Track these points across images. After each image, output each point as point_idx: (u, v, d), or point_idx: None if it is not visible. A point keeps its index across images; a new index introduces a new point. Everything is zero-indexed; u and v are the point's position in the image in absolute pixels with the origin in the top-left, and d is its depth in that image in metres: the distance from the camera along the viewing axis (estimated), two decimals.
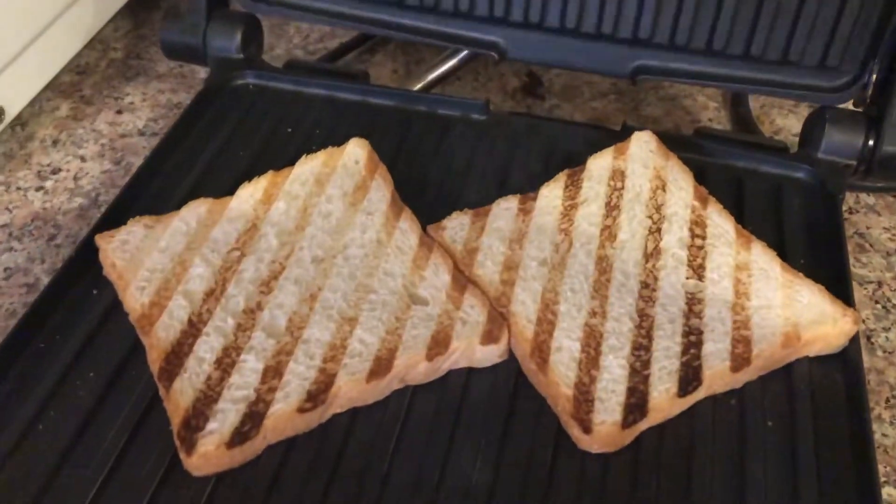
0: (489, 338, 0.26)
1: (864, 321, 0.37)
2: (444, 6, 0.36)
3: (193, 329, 0.26)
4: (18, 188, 0.43)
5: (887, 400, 0.36)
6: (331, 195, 0.30)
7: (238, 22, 0.39)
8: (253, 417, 0.24)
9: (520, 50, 0.36)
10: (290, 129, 0.36)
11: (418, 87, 0.43)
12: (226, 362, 0.25)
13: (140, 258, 0.28)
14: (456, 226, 0.30)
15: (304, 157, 0.32)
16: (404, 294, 0.27)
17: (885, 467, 0.31)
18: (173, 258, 0.28)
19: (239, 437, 0.24)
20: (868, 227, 0.42)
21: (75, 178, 0.43)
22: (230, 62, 0.39)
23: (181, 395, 0.24)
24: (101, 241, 0.29)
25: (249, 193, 0.31)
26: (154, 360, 0.25)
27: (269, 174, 0.31)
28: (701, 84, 0.37)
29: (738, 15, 0.34)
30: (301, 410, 0.24)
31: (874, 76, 0.34)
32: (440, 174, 0.34)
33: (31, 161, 0.44)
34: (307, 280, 0.28)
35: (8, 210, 0.41)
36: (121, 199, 0.32)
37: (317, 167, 0.32)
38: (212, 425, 0.24)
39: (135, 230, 0.29)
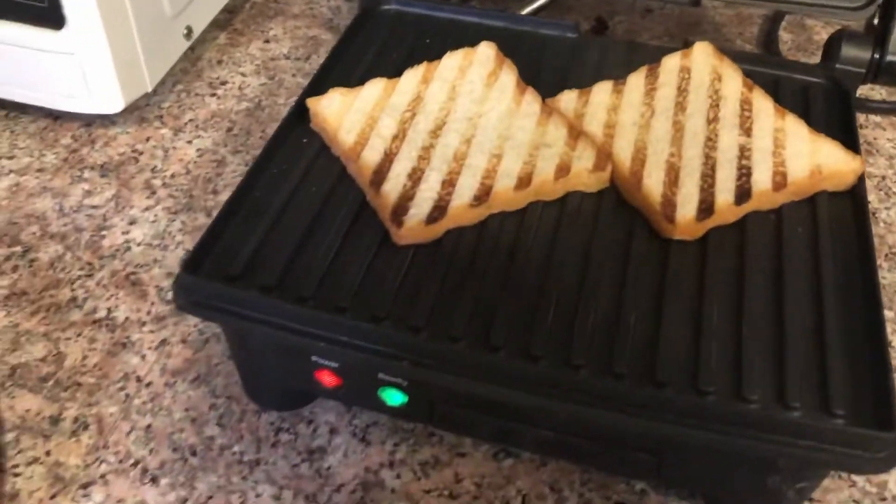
0: (597, 167, 0.37)
1: (869, 203, 0.47)
2: None
3: (388, 159, 0.37)
4: (196, 94, 0.54)
5: (885, 255, 0.46)
6: (471, 78, 0.41)
7: None
8: (439, 209, 0.34)
9: None
10: (427, 41, 0.46)
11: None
12: (415, 177, 0.36)
13: (341, 114, 0.39)
14: (567, 99, 0.41)
15: (448, 53, 0.43)
16: (534, 141, 0.38)
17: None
18: (365, 114, 0.39)
19: (430, 219, 0.34)
20: (875, 139, 0.53)
21: (240, 88, 0.54)
22: None
23: (388, 194, 0.35)
24: (311, 103, 0.39)
25: (412, 75, 0.41)
26: (364, 175, 0.36)
27: (425, 63, 0.42)
28: (752, 5, 0.47)
29: None
30: (470, 206, 0.35)
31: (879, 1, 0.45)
32: (547, 74, 0.44)
33: (203, 75, 0.55)
34: (463, 130, 0.38)
35: (191, 109, 0.52)
36: (312, 84, 0.43)
37: (458, 59, 0.42)
38: (412, 211, 0.34)
39: (334, 96, 0.40)
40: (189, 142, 0.50)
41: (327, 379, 0.34)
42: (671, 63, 0.43)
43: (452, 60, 0.42)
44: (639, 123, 0.39)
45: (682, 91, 0.41)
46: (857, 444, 0.29)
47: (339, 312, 0.32)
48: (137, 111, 0.51)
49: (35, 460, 0.35)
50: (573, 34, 0.47)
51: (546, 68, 0.44)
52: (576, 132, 0.39)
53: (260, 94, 0.54)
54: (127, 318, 0.41)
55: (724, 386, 0.30)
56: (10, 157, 0.49)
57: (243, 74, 0.55)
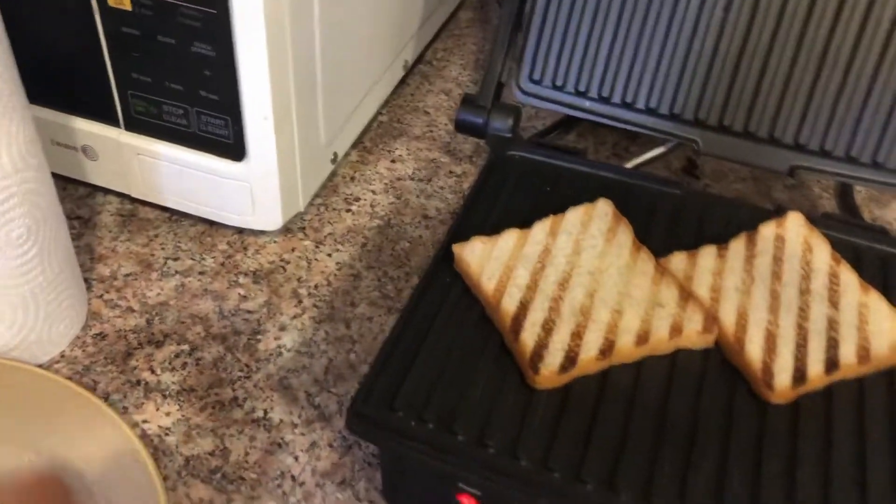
0: (705, 329, 0.42)
1: None
2: (660, 111, 0.54)
3: (523, 308, 0.43)
4: (334, 209, 0.61)
5: None
6: (592, 233, 0.47)
7: (511, 111, 0.57)
8: (570, 359, 0.41)
9: (711, 147, 0.53)
10: (548, 188, 0.53)
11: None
12: (547, 328, 0.42)
13: (481, 261, 0.45)
14: (677, 260, 0.47)
15: (570, 208, 0.49)
16: (650, 299, 0.44)
17: None
18: (503, 263, 0.45)
19: (562, 368, 0.40)
20: None
21: (371, 206, 0.61)
22: (502, 140, 0.56)
23: (525, 343, 0.41)
24: (457, 248, 0.46)
25: (541, 227, 0.48)
26: (505, 322, 0.42)
27: (551, 216, 0.48)
28: (841, 180, 0.53)
29: (872, 131, 0.51)
30: (597, 359, 0.41)
31: None
32: (655, 229, 0.50)
33: (339, 191, 0.62)
34: (587, 284, 0.44)
35: (330, 223, 0.59)
36: (454, 228, 0.49)
37: (580, 214, 0.49)
38: (547, 360, 0.40)
39: (476, 243, 0.46)
40: (329, 255, 0.57)
41: (468, 502, 0.40)
42: (767, 231, 0.48)
43: (575, 215, 0.49)
44: (740, 290, 0.45)
45: (777, 260, 0.47)
46: None
47: (485, 448, 0.38)
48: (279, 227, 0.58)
49: None
50: (677, 191, 0.53)
51: (655, 224, 0.51)
52: (686, 293, 0.45)
53: (389, 212, 0.61)
54: (281, 420, 0.47)
55: None
56: (176, 259, 0.56)
57: (374, 192, 0.62)
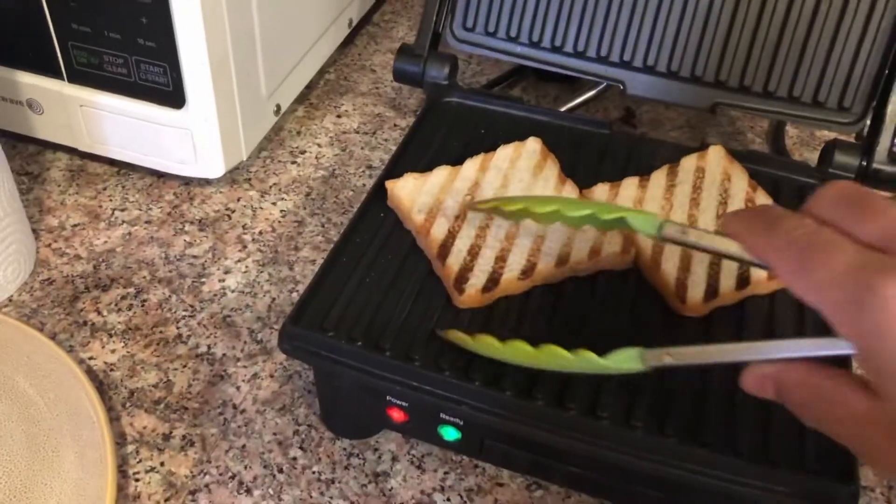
0: (623, 251, 0.45)
1: None
2: (588, 53, 0.56)
3: (451, 235, 0.45)
4: (279, 161, 0.62)
5: None
6: (521, 168, 0.49)
7: (446, 59, 0.58)
8: (493, 280, 0.42)
9: (636, 87, 0.55)
10: (482, 131, 0.55)
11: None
12: (473, 252, 0.44)
13: (412, 195, 0.47)
14: (600, 191, 0.49)
15: (501, 146, 0.51)
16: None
17: None
18: (433, 196, 0.47)
19: (486, 288, 0.42)
20: None
21: (316, 158, 0.63)
22: (439, 87, 0.58)
23: (451, 266, 0.43)
24: (389, 184, 0.48)
25: (472, 164, 0.49)
26: (432, 248, 0.44)
27: (482, 154, 0.50)
28: (759, 115, 0.56)
29: (786, 66, 0.53)
30: (518, 279, 0.43)
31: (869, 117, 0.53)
32: (583, 166, 0.52)
33: (285, 144, 0.64)
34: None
35: (275, 174, 0.61)
36: (389, 166, 0.51)
37: (510, 152, 0.50)
38: (471, 281, 0.42)
39: (408, 179, 0.48)
40: (274, 203, 0.58)
41: (396, 415, 0.42)
42: (688, 163, 0.51)
43: (505, 152, 0.51)
44: (660, 215, 0.47)
45: (696, 189, 0.49)
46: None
47: (411, 361, 0.40)
48: (229, 174, 0.60)
49: (152, 469, 0.43)
50: (606, 130, 0.55)
51: (583, 161, 0.53)
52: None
53: (334, 163, 0.62)
54: (224, 355, 0.49)
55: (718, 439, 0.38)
56: (123, 209, 0.57)
57: (319, 145, 0.64)
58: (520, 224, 0.46)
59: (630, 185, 0.49)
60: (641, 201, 0.48)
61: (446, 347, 0.41)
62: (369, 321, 0.42)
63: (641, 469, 0.38)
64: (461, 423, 0.40)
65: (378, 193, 0.49)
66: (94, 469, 0.40)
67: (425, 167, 0.51)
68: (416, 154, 0.52)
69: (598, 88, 0.61)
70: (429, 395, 0.39)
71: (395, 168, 0.51)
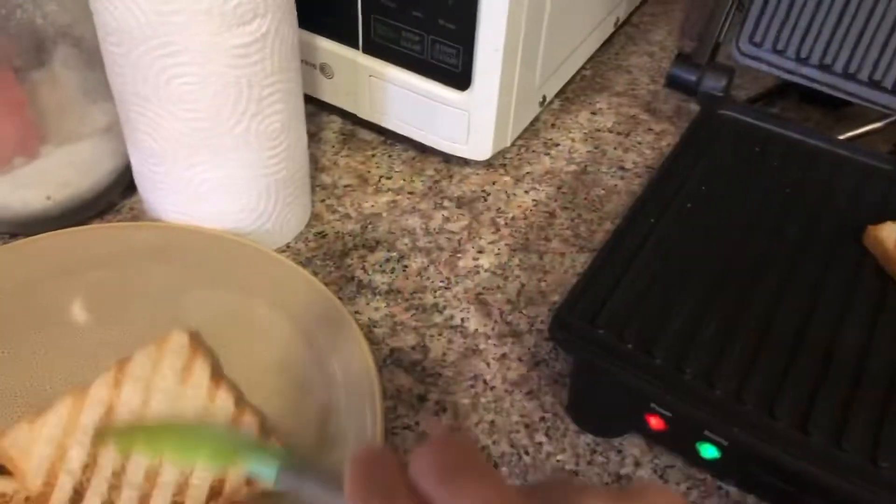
0: None
1: None
2: (884, 84, 0.53)
3: (78, 495, 0.38)
4: (534, 151, 0.64)
5: None
6: (164, 373, 0.43)
7: (725, 71, 0.58)
8: None
9: None
10: (757, 149, 0.54)
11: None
12: None
13: (28, 449, 0.39)
14: (890, 229, 0.47)
15: (140, 347, 0.43)
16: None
17: None
18: (55, 445, 0.39)
19: None
20: None
21: (569, 152, 0.64)
22: (714, 98, 0.57)
23: None
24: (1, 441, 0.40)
25: (102, 381, 0.42)
26: None
27: (115, 364, 0.43)
28: None
29: None
30: None
31: None
32: (865, 202, 0.50)
33: (539, 135, 0.65)
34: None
35: (529, 164, 0.62)
36: (659, 175, 0.51)
37: (151, 352, 0.43)
38: None
39: (19, 428, 0.40)
40: (526, 192, 0.60)
41: (655, 422, 0.42)
42: None
43: (144, 355, 0.43)
44: None
45: None
46: None
47: (682, 373, 0.40)
48: (486, 159, 0.62)
49: (407, 427, 0.46)
50: (890, 166, 0.53)
51: (865, 197, 0.50)
52: (267, 430, 0.42)
53: (586, 159, 0.63)
54: (476, 330, 0.51)
55: None
56: (389, 178, 0.60)
57: (573, 140, 0.65)
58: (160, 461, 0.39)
59: None
60: None
61: (721, 365, 0.40)
62: (642, 324, 0.42)
63: None
64: (725, 443, 0.40)
65: (650, 196, 0.49)
66: (365, 419, 0.43)
67: (698, 177, 0.50)
68: (687, 162, 0.52)
69: (886, 121, 0.58)
70: (698, 411, 0.39)
71: (667, 173, 0.51)
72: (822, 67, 0.55)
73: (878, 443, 0.37)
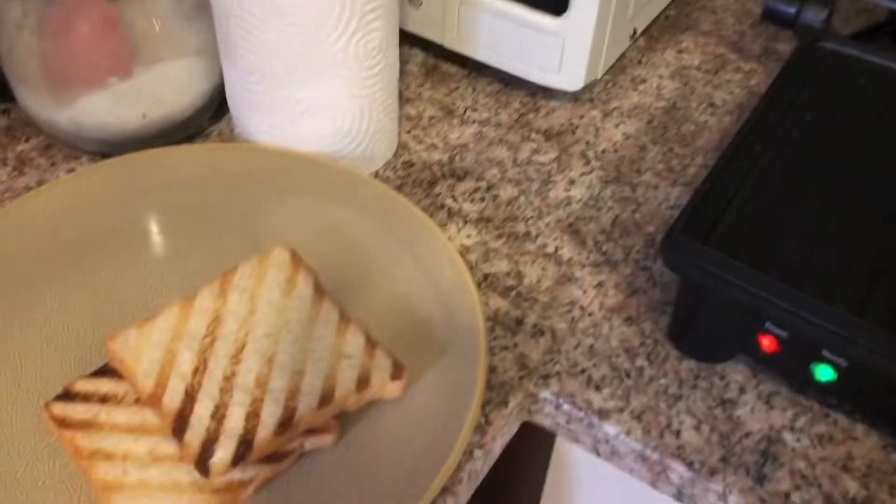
0: (394, 376, 0.39)
1: None
2: None
3: (190, 398, 0.38)
4: (621, 87, 0.62)
5: None
6: (269, 286, 0.42)
7: (826, 2, 0.56)
8: (244, 444, 0.36)
9: None
10: (861, 82, 0.52)
11: None
12: (219, 415, 0.37)
13: (136, 352, 0.39)
14: None
15: (242, 260, 0.43)
16: (335, 351, 0.40)
17: None
18: (164, 349, 0.39)
19: (235, 459, 0.36)
20: None
21: (657, 88, 0.62)
22: (813, 31, 0.56)
23: (191, 443, 0.36)
24: (112, 345, 0.40)
25: (208, 291, 0.42)
26: (166, 425, 0.37)
27: (220, 276, 0.42)
28: None
29: None
30: (276, 435, 0.37)
31: None
32: None
33: (626, 71, 0.64)
34: (264, 349, 0.39)
35: (617, 99, 0.61)
36: (760, 108, 0.50)
37: (254, 266, 0.43)
38: (218, 453, 0.36)
39: (131, 333, 0.40)
40: (616, 126, 0.59)
41: (767, 343, 0.41)
42: None
43: (248, 267, 0.43)
44: None
45: None
46: None
47: (802, 288, 0.39)
48: (573, 92, 0.60)
49: (506, 348, 0.45)
50: None
51: None
52: (373, 340, 0.41)
53: (675, 96, 0.61)
54: (570, 258, 0.50)
55: None
56: (474, 110, 0.60)
57: (660, 77, 0.63)
58: (273, 360, 0.39)
59: None
60: None
61: (841, 281, 0.39)
62: (756, 244, 0.41)
63: None
64: (844, 364, 0.39)
65: (755, 124, 0.48)
66: (467, 332, 0.43)
67: (801, 108, 0.49)
68: (789, 94, 0.51)
69: None
70: (817, 329, 0.38)
71: (771, 103, 0.49)
72: None
73: None
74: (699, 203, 0.43)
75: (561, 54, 0.55)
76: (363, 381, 0.39)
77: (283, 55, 0.47)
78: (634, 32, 0.61)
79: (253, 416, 0.37)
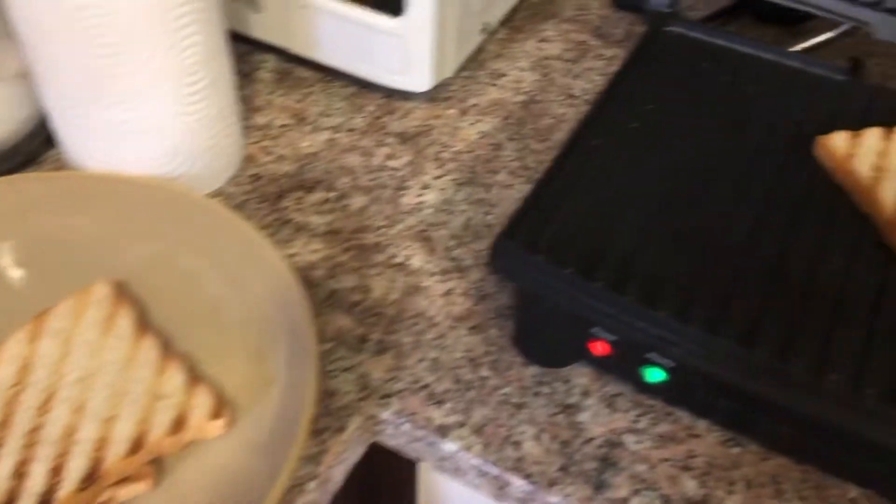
0: (217, 414, 0.38)
1: None
2: None
3: None
4: (479, 82, 0.61)
5: None
6: (87, 325, 0.40)
7: None
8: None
9: (886, 31, 0.50)
10: (705, 65, 0.52)
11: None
12: (19, 473, 0.35)
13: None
14: (838, 138, 0.45)
15: (63, 299, 0.41)
16: (151, 393, 0.38)
17: None
18: None
19: None
20: None
21: (516, 82, 0.61)
22: (661, 15, 0.55)
23: None
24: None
25: (20, 336, 0.40)
26: None
27: (32, 319, 0.41)
28: None
29: None
30: (80, 490, 0.35)
31: None
32: (814, 113, 0.48)
33: (485, 66, 0.62)
34: (74, 396, 0.38)
35: (475, 95, 0.60)
36: (604, 96, 0.49)
37: (72, 304, 0.41)
38: None
39: None
40: (472, 124, 0.57)
41: (599, 348, 0.40)
42: None
43: (64, 307, 0.42)
44: None
45: None
46: None
47: (625, 294, 0.38)
48: (429, 91, 0.59)
49: (347, 369, 0.44)
50: (844, 77, 0.50)
51: (815, 109, 0.48)
52: (196, 377, 0.40)
53: (534, 89, 0.60)
54: (420, 268, 0.49)
55: None
56: (327, 116, 0.58)
57: (520, 69, 0.62)
58: (84, 407, 0.37)
59: (873, 135, 0.45)
60: (886, 154, 0.44)
61: (664, 284, 0.39)
62: (583, 247, 0.40)
63: (866, 439, 0.35)
64: (671, 365, 0.39)
65: (594, 117, 0.47)
66: (299, 361, 0.41)
67: (644, 96, 0.48)
68: (633, 81, 0.50)
69: (836, 31, 0.56)
70: (641, 333, 0.38)
71: (612, 93, 0.48)
72: None
73: (825, 357, 0.36)
74: (529, 206, 0.42)
75: (405, 55, 0.53)
76: (180, 423, 0.38)
77: (95, 78, 0.44)
78: (486, 27, 0.59)
79: (56, 472, 0.35)
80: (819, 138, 0.45)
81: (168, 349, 0.41)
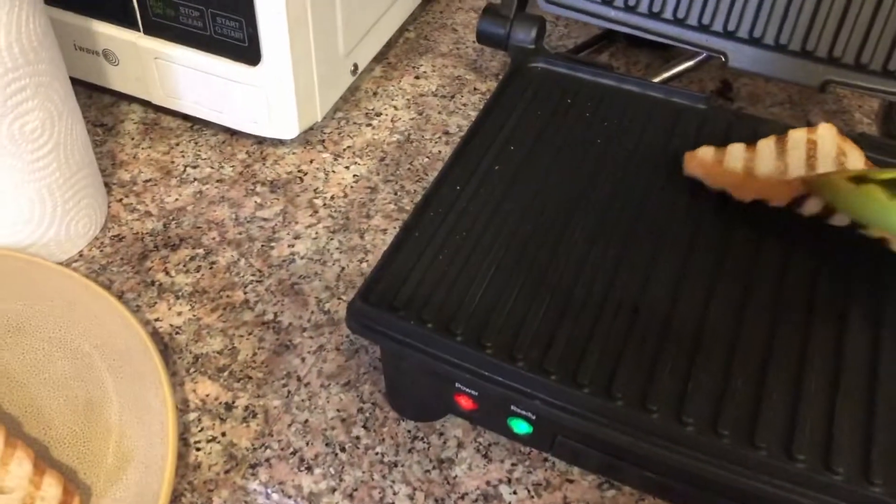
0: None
1: None
2: (689, 21, 0.51)
3: None
4: (354, 123, 0.60)
5: None
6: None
7: (534, 21, 0.55)
8: None
9: (739, 60, 0.51)
10: (569, 100, 0.52)
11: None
12: None
13: None
14: (704, 151, 0.45)
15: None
16: None
17: None
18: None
19: None
20: None
21: (392, 121, 0.60)
22: (524, 51, 0.55)
23: None
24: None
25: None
26: None
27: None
28: (876, 96, 0.51)
29: None
30: None
31: None
32: (678, 141, 0.49)
33: (360, 105, 0.62)
34: None
35: (350, 137, 0.59)
36: (468, 136, 0.48)
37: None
38: None
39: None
40: (347, 167, 0.56)
41: (465, 403, 0.40)
42: (797, 135, 0.46)
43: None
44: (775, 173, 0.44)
45: (810, 157, 0.45)
46: None
47: (483, 349, 0.38)
48: (303, 134, 0.58)
49: (213, 439, 0.42)
50: (703, 105, 0.51)
51: (677, 136, 0.49)
52: (42, 466, 0.38)
53: (409, 127, 0.60)
54: (290, 324, 0.47)
55: (812, 456, 0.34)
56: (195, 166, 0.56)
57: (395, 108, 0.61)
58: None
59: (737, 148, 0.45)
60: (752, 160, 0.44)
61: (521, 336, 0.38)
62: (441, 303, 0.39)
63: (724, 482, 0.35)
64: (533, 417, 0.38)
65: (456, 163, 0.46)
66: (156, 436, 0.40)
67: (507, 136, 0.48)
68: (497, 121, 0.49)
69: (697, 59, 0.57)
70: (500, 387, 0.37)
71: (475, 136, 0.48)
72: (628, 9, 0.52)
73: (683, 402, 0.36)
74: (386, 263, 0.41)
75: (267, 104, 0.52)
76: None
77: None
78: (356, 68, 0.59)
79: None
80: (687, 153, 0.45)
81: (10, 438, 0.39)
